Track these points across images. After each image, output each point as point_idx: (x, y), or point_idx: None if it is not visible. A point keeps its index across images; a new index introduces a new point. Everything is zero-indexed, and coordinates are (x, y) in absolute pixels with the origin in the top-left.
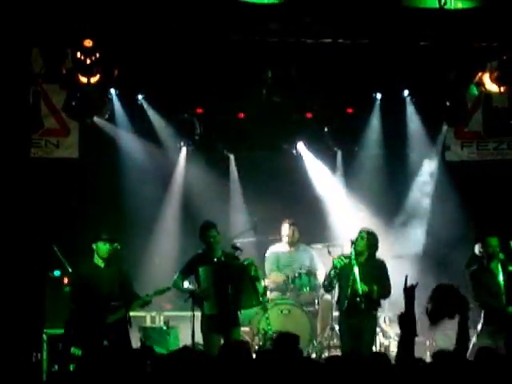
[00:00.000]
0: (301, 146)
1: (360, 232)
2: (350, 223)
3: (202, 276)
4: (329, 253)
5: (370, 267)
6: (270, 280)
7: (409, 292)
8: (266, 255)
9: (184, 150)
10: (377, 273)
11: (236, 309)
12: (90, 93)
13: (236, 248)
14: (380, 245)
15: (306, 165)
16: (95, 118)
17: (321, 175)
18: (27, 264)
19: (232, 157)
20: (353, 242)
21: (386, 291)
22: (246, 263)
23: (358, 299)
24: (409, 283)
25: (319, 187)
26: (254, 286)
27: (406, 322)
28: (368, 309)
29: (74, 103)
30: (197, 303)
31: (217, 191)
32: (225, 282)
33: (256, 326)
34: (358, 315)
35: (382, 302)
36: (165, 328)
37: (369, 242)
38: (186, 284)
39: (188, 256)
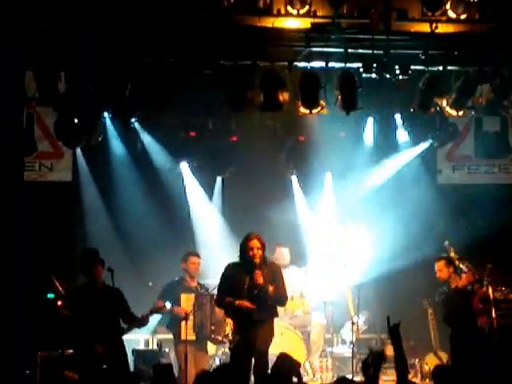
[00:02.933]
0: (290, 169)
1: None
2: (341, 246)
3: (183, 302)
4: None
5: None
6: None
7: (393, 332)
8: None
9: (184, 170)
10: (272, 276)
11: (209, 337)
12: (82, 118)
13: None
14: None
15: (295, 188)
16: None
17: (310, 199)
18: (20, 286)
19: (219, 179)
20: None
21: (281, 296)
22: None
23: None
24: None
25: (308, 211)
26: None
27: (398, 360)
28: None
29: (65, 130)
30: (172, 328)
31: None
32: (205, 311)
33: None
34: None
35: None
36: (158, 351)
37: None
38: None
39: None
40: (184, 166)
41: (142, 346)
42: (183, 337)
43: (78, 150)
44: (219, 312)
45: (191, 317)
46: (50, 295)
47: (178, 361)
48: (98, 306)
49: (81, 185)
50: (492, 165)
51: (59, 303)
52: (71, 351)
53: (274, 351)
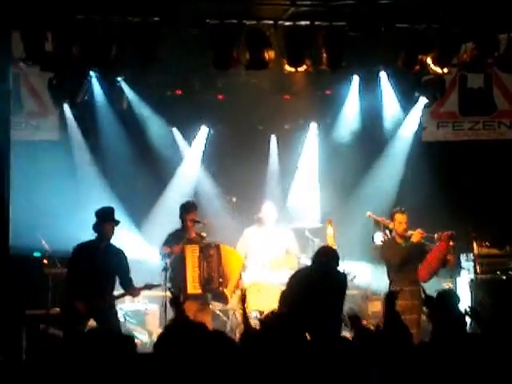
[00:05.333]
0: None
1: None
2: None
3: (188, 254)
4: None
5: None
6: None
7: (390, 297)
8: (243, 236)
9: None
10: None
11: (216, 290)
12: (69, 76)
13: (196, 222)
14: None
15: (272, 149)
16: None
17: (296, 154)
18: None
19: (204, 129)
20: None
21: None
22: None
23: None
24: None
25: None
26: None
27: (387, 324)
28: None
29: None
30: (175, 282)
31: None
32: (212, 263)
33: (234, 305)
34: None
35: None
36: (144, 309)
37: None
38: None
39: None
40: (175, 132)
41: (127, 304)
42: (189, 290)
43: (67, 109)
44: (228, 265)
45: (196, 269)
46: (36, 253)
47: None
48: (97, 264)
49: (70, 143)
50: (476, 122)
51: (45, 261)
52: (57, 309)
53: (260, 308)
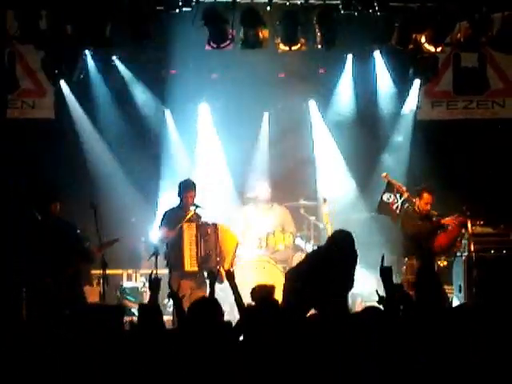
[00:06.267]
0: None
1: None
2: (322, 181)
3: (186, 232)
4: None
5: None
6: (244, 239)
7: (385, 272)
8: (240, 214)
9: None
10: None
11: (213, 268)
12: (64, 54)
13: (196, 206)
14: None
15: (263, 126)
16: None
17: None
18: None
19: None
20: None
21: None
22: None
23: None
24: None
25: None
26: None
27: (388, 299)
28: None
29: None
30: (171, 259)
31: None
32: (210, 242)
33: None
34: None
35: None
36: (141, 286)
37: None
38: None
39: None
40: (168, 113)
41: (125, 281)
42: (187, 267)
43: (64, 86)
44: (224, 244)
45: (194, 247)
46: None
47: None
48: (47, 240)
49: (69, 119)
50: (470, 101)
51: None
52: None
53: (255, 283)
